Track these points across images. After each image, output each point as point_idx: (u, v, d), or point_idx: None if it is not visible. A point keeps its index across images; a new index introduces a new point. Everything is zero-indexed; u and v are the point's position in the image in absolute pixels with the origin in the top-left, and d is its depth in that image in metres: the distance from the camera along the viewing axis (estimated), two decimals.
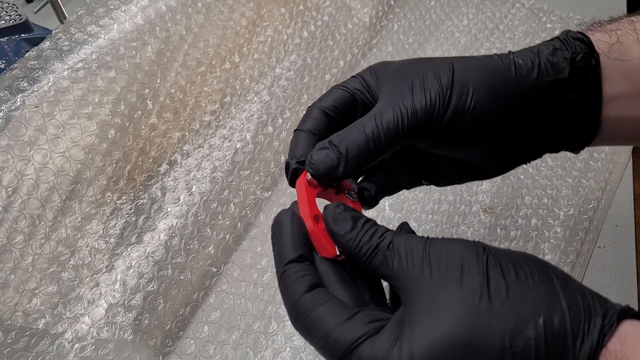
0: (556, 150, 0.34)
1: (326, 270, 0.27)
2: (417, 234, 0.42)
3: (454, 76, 0.30)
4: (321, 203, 0.29)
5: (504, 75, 0.30)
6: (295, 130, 0.33)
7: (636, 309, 0.45)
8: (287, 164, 0.32)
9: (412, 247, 0.25)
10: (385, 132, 0.29)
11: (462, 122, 0.30)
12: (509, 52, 0.32)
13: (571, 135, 0.33)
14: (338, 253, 0.28)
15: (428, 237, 0.26)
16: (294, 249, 0.27)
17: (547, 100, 0.31)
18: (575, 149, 0.34)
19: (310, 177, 0.30)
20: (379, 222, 0.28)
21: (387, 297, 0.29)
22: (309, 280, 0.26)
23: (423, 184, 0.37)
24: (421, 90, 0.30)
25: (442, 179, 0.36)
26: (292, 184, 0.31)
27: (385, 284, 0.28)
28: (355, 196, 0.31)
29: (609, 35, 0.31)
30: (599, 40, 0.31)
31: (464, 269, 0.24)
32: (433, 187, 0.52)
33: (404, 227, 0.32)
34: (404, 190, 0.51)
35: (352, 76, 0.34)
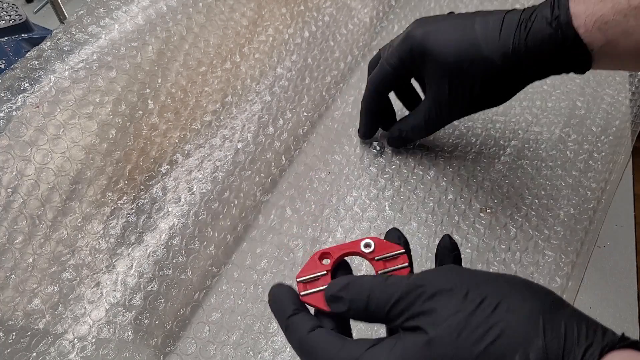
0: (559, 72, 0.41)
1: (324, 321, 0.30)
2: (418, 234, 0.43)
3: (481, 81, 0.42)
4: None
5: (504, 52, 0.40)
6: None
7: (636, 308, 0.45)
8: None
9: (398, 284, 0.27)
10: (429, 126, 0.49)
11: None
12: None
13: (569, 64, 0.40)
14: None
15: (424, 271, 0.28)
16: (293, 303, 0.30)
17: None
18: (578, 69, 0.40)
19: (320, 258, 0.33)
20: (378, 222, 0.29)
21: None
22: (311, 322, 0.29)
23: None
24: (457, 98, 0.43)
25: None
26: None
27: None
28: (372, 246, 0.33)
29: None
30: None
31: (447, 302, 0.25)
32: (433, 187, 0.52)
33: (392, 233, 0.33)
34: (404, 190, 0.52)
35: (389, 56, 0.47)
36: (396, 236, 0.33)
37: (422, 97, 0.49)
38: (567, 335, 0.23)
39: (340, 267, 0.33)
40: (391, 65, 0.46)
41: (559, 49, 0.37)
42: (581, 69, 0.39)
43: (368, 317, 0.28)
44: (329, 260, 0.32)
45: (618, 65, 0.39)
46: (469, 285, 0.25)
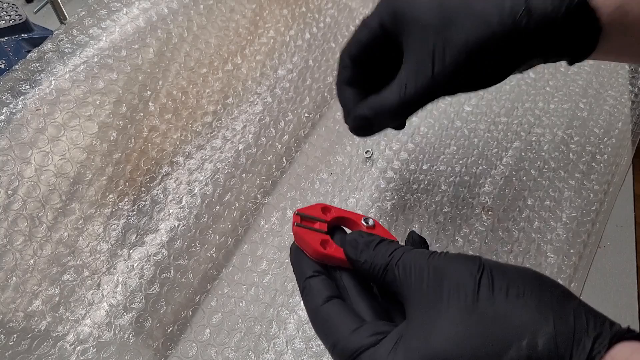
0: (556, 59, 0.35)
1: (347, 283, 0.30)
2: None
3: (468, 45, 0.33)
4: None
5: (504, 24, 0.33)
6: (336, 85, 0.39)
7: (636, 308, 0.45)
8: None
9: (414, 262, 0.27)
10: (409, 101, 0.35)
11: (478, 68, 0.34)
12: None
13: (570, 46, 0.34)
14: None
15: (432, 252, 0.28)
16: (310, 265, 0.30)
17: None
18: (572, 59, 0.35)
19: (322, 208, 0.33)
20: (381, 223, 0.30)
21: None
22: (326, 293, 0.29)
23: None
24: (443, 61, 0.33)
25: None
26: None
27: None
28: (372, 221, 0.33)
29: None
30: None
31: (458, 288, 0.25)
32: (435, 189, 0.52)
33: (412, 237, 0.33)
34: (406, 192, 0.52)
35: (370, 17, 0.38)
36: (417, 238, 0.33)
37: None
38: (576, 325, 0.23)
39: (337, 231, 0.33)
40: (369, 26, 0.38)
41: (565, 13, 0.32)
42: (587, 46, 0.34)
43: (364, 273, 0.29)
44: (329, 216, 0.33)
45: (626, 46, 0.34)
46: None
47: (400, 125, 0.42)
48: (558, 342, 0.22)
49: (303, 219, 0.32)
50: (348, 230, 0.34)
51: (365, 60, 0.38)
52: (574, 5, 0.31)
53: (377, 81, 0.39)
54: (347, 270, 0.31)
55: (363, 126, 0.38)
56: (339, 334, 0.27)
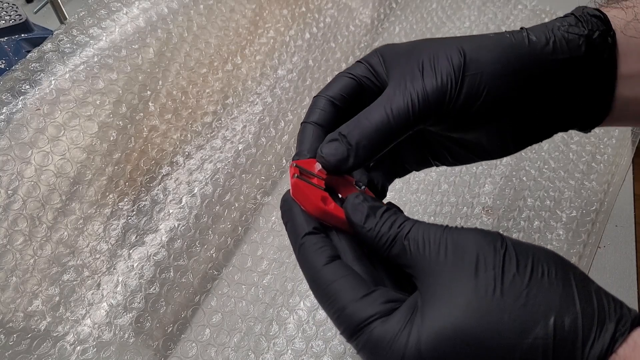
0: (566, 129, 0.33)
1: (343, 247, 0.27)
2: None
3: (465, 56, 0.29)
4: None
5: (517, 51, 0.29)
6: (302, 123, 0.31)
7: (636, 309, 0.45)
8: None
9: (429, 235, 0.25)
10: (396, 119, 0.28)
11: (476, 104, 0.29)
12: (521, 28, 0.31)
13: (583, 114, 0.32)
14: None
15: (447, 225, 0.26)
16: (308, 221, 0.27)
17: (561, 78, 0.30)
18: (586, 128, 0.33)
19: (320, 167, 0.29)
20: None
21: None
22: (328, 252, 0.26)
23: (432, 165, 0.37)
24: (432, 73, 0.28)
25: (450, 160, 0.36)
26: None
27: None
28: (364, 187, 0.31)
29: (625, 12, 0.30)
30: (615, 17, 0.30)
31: (480, 260, 0.23)
32: (435, 189, 0.52)
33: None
34: (406, 192, 0.51)
35: (358, 61, 0.32)
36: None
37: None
38: (599, 306, 0.23)
39: (331, 193, 0.31)
40: (354, 68, 0.32)
41: (585, 42, 0.30)
42: (605, 73, 0.30)
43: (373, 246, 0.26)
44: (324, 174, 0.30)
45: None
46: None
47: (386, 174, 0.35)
48: (583, 322, 0.22)
49: (302, 172, 0.29)
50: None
51: (344, 104, 0.32)
52: (594, 34, 0.30)
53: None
54: (344, 233, 0.28)
55: (338, 156, 0.28)
56: (346, 299, 0.24)
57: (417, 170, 0.37)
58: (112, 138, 0.44)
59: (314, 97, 0.32)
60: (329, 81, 0.33)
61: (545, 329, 0.22)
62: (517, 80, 0.29)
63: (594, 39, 0.30)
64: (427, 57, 0.29)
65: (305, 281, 0.27)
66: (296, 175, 0.28)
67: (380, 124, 0.28)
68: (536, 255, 0.24)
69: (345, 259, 0.27)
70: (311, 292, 0.27)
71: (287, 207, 0.28)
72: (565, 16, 0.31)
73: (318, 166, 0.29)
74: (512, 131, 0.32)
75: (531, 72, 0.29)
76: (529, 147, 0.42)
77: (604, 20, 0.30)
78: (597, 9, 0.31)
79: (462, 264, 0.24)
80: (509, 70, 0.29)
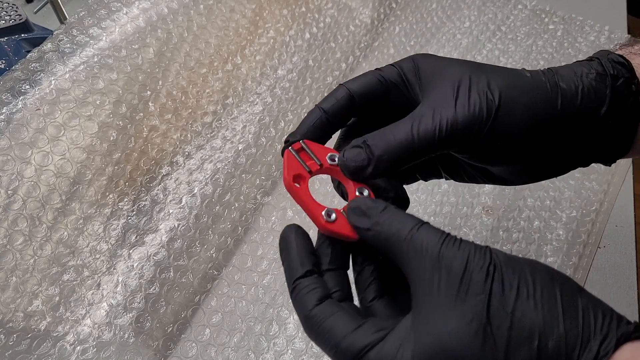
0: (588, 164, 0.34)
1: (332, 284, 0.28)
2: None
3: (501, 96, 0.29)
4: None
5: (549, 104, 0.30)
6: (315, 106, 0.32)
7: (636, 308, 0.45)
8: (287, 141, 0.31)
9: (427, 246, 0.25)
10: (421, 141, 0.28)
11: (500, 141, 0.30)
12: (550, 70, 0.31)
13: (604, 151, 0.33)
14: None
15: (445, 237, 0.26)
16: (302, 264, 0.28)
17: (586, 124, 0.31)
18: (607, 162, 0.34)
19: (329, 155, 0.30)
20: None
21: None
22: (318, 293, 0.27)
23: (442, 177, 0.37)
24: (465, 103, 0.29)
25: (465, 179, 0.36)
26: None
27: None
28: (367, 192, 0.30)
29: None
30: (639, 65, 0.31)
31: (470, 283, 0.24)
32: (435, 189, 0.52)
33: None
34: (407, 192, 0.51)
35: (391, 64, 0.33)
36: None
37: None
38: (585, 324, 0.23)
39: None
40: (386, 69, 0.32)
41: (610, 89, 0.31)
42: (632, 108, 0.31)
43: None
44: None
45: None
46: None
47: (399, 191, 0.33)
48: (567, 342, 0.22)
49: (298, 150, 0.30)
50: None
51: (362, 100, 0.32)
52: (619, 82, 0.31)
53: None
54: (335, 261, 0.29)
55: (358, 163, 0.29)
56: (340, 334, 0.25)
57: (426, 180, 0.38)
58: (112, 138, 0.44)
59: (339, 84, 0.33)
60: (329, 81, 0.33)
61: (529, 352, 0.22)
62: (545, 127, 0.30)
63: (618, 85, 0.30)
64: (465, 84, 0.30)
65: None
66: (291, 148, 0.29)
67: (404, 141, 0.29)
68: (523, 275, 0.24)
69: (335, 297, 0.28)
70: None
71: (284, 246, 0.29)
72: (590, 59, 0.32)
73: (329, 156, 0.30)
74: (534, 167, 0.33)
75: (559, 120, 0.30)
76: None
77: (628, 67, 0.31)
78: (622, 56, 0.31)
79: (453, 286, 0.24)
80: (538, 121, 0.30)
